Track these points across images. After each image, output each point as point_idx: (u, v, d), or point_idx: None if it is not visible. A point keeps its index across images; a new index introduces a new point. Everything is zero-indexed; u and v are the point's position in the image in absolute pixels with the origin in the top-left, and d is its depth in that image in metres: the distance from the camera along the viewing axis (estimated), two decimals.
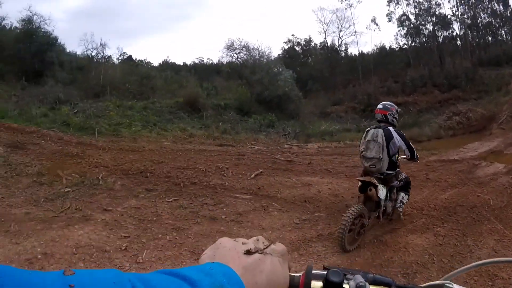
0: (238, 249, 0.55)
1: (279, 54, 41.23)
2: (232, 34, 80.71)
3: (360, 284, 0.61)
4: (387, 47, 46.45)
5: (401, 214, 5.69)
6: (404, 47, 45.73)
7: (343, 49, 44.68)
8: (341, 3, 47.66)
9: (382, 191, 4.80)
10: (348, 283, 0.62)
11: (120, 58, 36.61)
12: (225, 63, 35.55)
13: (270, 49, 38.26)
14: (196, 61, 44.28)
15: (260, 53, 30.35)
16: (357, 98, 29.48)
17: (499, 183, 9.65)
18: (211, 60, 44.22)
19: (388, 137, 4.87)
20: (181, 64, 44.32)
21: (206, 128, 17.51)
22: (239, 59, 32.21)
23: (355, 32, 41.85)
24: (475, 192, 8.63)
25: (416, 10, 44.78)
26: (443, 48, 44.82)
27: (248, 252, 0.54)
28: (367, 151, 4.93)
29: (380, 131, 4.90)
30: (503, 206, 7.68)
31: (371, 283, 0.65)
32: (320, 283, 0.61)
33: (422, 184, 9.01)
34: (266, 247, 0.56)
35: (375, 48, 48.69)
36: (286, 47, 43.59)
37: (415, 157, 5.21)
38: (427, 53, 43.95)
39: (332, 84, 37.09)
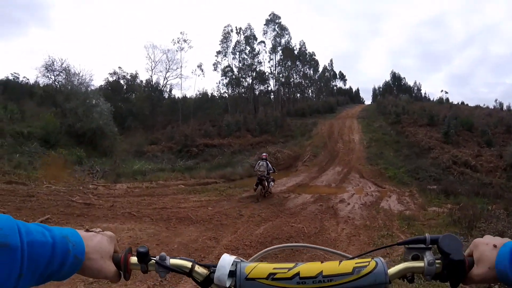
0: (82, 231, 0.80)
1: (101, 85, 37.85)
2: (55, 52, 67.52)
3: (162, 255, 0.83)
4: (209, 94, 48.28)
5: (272, 187, 12.69)
6: (224, 95, 48.18)
7: (168, 90, 44.52)
8: (173, 44, 48.10)
9: (266, 181, 11.80)
10: (155, 256, 0.84)
11: None
12: (41, 84, 29.87)
13: (91, 77, 33.56)
14: (10, 77, 36.17)
15: (80, 80, 26.49)
16: (174, 139, 28.92)
17: (309, 211, 9.88)
18: (28, 79, 36.99)
19: (267, 164, 12.26)
20: None
21: None
22: (56, 82, 27.41)
23: (181, 75, 41.86)
24: (288, 222, 8.53)
25: (240, 64, 48.13)
26: (259, 99, 48.94)
27: (87, 230, 0.81)
28: (259, 169, 12.09)
29: (264, 162, 12.38)
30: (317, 232, 7.75)
31: (173, 258, 0.84)
32: (135, 258, 0.83)
33: (235, 221, 8.43)
34: (99, 231, 0.83)
35: (198, 93, 49.89)
36: (111, 79, 40.30)
37: (275, 171, 12.90)
38: (244, 102, 47.31)
39: (152, 123, 35.98)
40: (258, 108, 43.59)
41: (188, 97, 45.79)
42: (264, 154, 13.90)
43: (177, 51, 41.32)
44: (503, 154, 22.49)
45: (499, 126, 29.95)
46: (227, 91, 48.25)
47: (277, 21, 50.52)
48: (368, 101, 74.02)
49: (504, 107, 41.95)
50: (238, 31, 48.71)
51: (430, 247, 0.80)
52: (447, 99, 48.94)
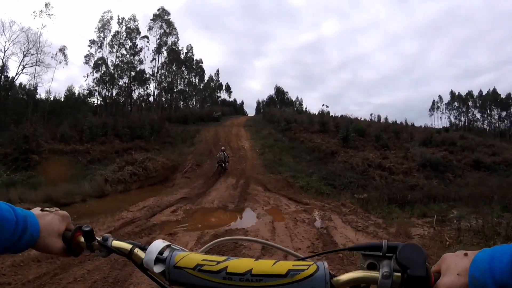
0: (38, 209, 0.83)
1: None
2: None
3: (105, 236, 0.81)
4: (74, 89, 38.80)
5: (227, 166, 17.43)
6: (94, 93, 39.36)
7: (19, 81, 34.08)
8: (34, 18, 37.34)
9: (224, 163, 17.06)
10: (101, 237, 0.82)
11: None
12: None
13: None
14: None
15: None
16: (15, 143, 19.74)
17: None
18: None
19: (223, 153, 17.45)
20: None
21: None
22: None
23: (40, 62, 31.83)
24: None
25: (117, 60, 40.09)
26: (136, 102, 41.62)
27: (42, 210, 0.82)
28: (220, 156, 17.08)
29: (222, 153, 17.41)
30: None
31: (116, 240, 0.81)
32: (82, 237, 0.82)
33: None
34: (53, 211, 0.83)
35: (66, 92, 39.78)
36: None
37: (228, 157, 18.75)
38: (117, 104, 39.52)
39: None
40: (133, 111, 36.09)
41: (47, 90, 35.26)
42: (223, 147, 18.64)
43: (38, 29, 31.53)
44: (407, 155, 22.61)
45: (386, 133, 30.23)
46: (97, 89, 39.31)
47: (165, 17, 43.97)
48: (251, 114, 71.42)
49: (382, 120, 45.47)
50: (120, 21, 40.85)
51: (390, 255, 0.66)
52: (328, 112, 48.41)
